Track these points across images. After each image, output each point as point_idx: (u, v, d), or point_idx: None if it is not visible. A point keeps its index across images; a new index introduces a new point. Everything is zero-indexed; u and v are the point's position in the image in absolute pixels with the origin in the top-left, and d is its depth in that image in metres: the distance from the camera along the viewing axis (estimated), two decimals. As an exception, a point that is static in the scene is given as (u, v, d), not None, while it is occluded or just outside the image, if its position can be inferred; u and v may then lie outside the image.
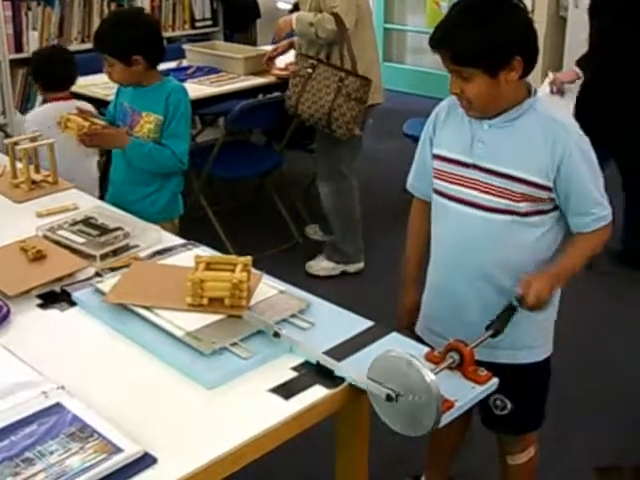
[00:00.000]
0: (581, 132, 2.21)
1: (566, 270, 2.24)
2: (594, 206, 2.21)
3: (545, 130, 2.17)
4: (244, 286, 2.08)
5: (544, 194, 2.19)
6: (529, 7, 6.69)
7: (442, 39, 2.12)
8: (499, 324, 2.10)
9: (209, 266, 2.17)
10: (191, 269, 2.19)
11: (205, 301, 2.09)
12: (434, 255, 2.40)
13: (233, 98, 4.93)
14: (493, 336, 2.07)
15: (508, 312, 2.13)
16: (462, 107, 2.21)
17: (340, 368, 1.88)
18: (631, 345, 3.97)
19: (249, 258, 2.19)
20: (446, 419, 1.73)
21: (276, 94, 5.26)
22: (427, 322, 2.44)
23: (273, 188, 5.18)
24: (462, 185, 2.25)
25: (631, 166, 4.64)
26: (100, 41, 3.16)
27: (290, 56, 5.39)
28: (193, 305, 2.10)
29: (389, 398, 1.73)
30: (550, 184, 2.17)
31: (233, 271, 2.12)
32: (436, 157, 2.33)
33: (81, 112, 3.21)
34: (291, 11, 5.41)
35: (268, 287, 2.23)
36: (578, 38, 6.49)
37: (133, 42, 3.07)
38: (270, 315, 2.09)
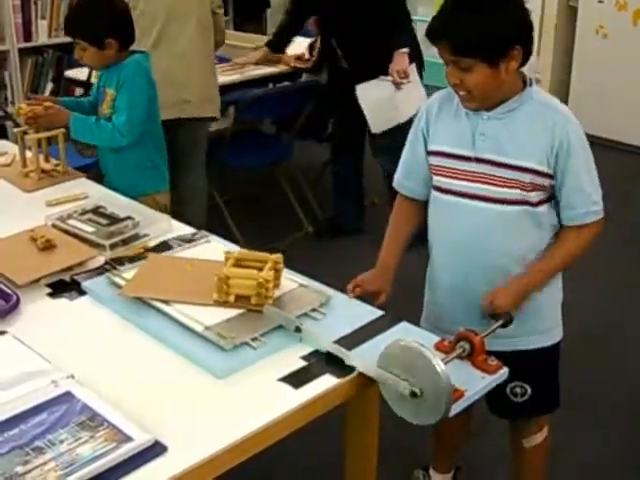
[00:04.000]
0: (577, 121, 2.21)
1: (542, 275, 2.25)
2: (584, 199, 2.20)
3: (544, 118, 2.17)
4: (270, 285, 2.06)
5: (547, 182, 2.18)
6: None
7: (442, 29, 2.10)
8: (509, 314, 2.09)
9: (238, 262, 2.15)
10: (209, 263, 2.19)
11: (232, 298, 2.07)
12: (440, 255, 2.36)
13: (243, 87, 4.93)
14: (504, 326, 2.06)
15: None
16: (460, 98, 2.19)
17: (354, 358, 1.87)
18: (634, 329, 3.98)
19: (280, 256, 2.17)
20: (456, 409, 1.73)
21: (286, 83, 5.25)
22: (439, 323, 2.40)
23: (283, 178, 5.17)
24: (467, 180, 2.23)
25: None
26: (71, 26, 3.12)
27: (301, 47, 5.39)
28: (219, 301, 2.08)
29: (413, 394, 1.72)
30: (551, 171, 2.17)
31: (262, 269, 2.11)
32: (434, 153, 2.30)
33: (35, 98, 3.23)
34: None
35: (289, 281, 2.22)
36: (589, 27, 6.50)
37: (105, 25, 3.05)
38: (291, 309, 2.08)
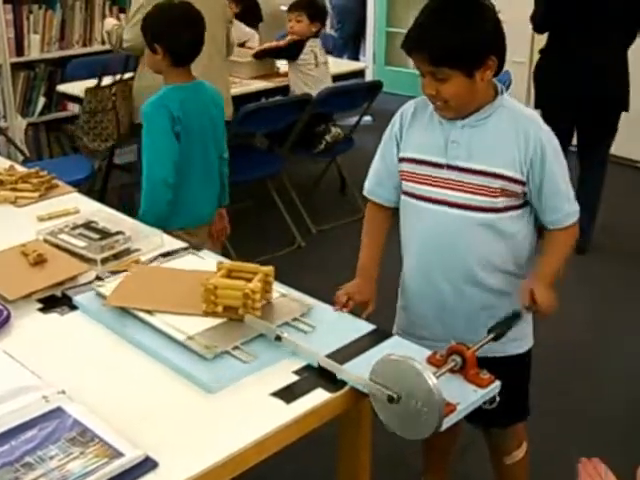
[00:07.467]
0: (548, 127, 2.25)
1: (554, 270, 2.27)
2: (564, 202, 2.25)
3: (517, 125, 2.20)
4: (257, 297, 2.05)
5: (518, 188, 2.21)
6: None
7: (420, 41, 2.13)
8: (502, 328, 2.09)
9: (230, 273, 2.16)
10: (196, 273, 2.18)
11: (220, 309, 2.07)
12: (410, 260, 2.38)
13: (236, 102, 4.93)
14: (495, 339, 2.06)
15: (512, 319, 2.13)
16: (437, 108, 2.22)
17: (342, 371, 1.87)
18: (630, 339, 3.98)
19: (271, 269, 2.17)
20: (448, 423, 1.73)
21: (279, 98, 5.26)
22: (410, 328, 2.42)
23: (275, 191, 5.17)
24: (438, 186, 2.25)
25: None
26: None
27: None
28: (207, 312, 2.09)
29: (390, 399, 1.72)
30: (524, 178, 2.20)
31: (250, 280, 2.11)
32: (405, 160, 2.32)
33: None
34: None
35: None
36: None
37: (154, 30, 3.13)
38: (272, 319, 2.08)
